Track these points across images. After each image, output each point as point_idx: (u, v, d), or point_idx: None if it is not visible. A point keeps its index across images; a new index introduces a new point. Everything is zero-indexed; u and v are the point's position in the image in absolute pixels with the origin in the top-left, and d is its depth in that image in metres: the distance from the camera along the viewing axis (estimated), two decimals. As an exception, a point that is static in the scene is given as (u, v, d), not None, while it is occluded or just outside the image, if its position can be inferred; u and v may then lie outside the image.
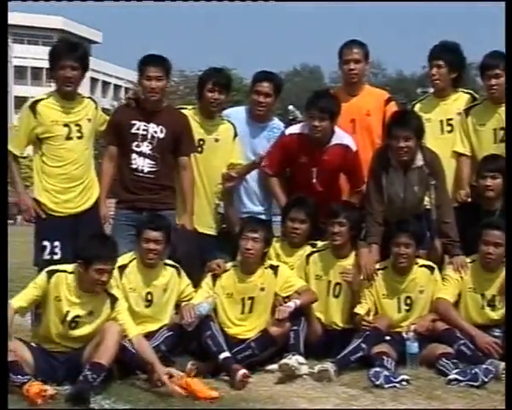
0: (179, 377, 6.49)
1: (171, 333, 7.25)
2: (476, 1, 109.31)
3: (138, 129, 7.92)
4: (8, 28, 7.10)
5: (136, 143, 7.90)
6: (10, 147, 7.73)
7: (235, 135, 8.30)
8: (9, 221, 7.82)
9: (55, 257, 7.62)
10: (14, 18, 79.95)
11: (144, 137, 7.91)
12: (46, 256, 7.71)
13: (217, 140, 8.25)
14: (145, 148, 7.91)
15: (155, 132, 7.93)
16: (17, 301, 6.74)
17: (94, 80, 78.94)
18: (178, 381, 6.42)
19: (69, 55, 7.78)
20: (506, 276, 7.21)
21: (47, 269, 6.94)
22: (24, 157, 8.08)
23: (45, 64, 9.03)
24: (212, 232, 8.27)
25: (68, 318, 6.79)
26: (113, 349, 6.56)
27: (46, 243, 7.76)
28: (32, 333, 7.22)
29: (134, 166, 7.91)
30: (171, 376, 6.49)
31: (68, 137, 7.79)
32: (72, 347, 6.81)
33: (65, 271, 6.87)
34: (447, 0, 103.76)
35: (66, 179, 7.81)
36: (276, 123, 8.62)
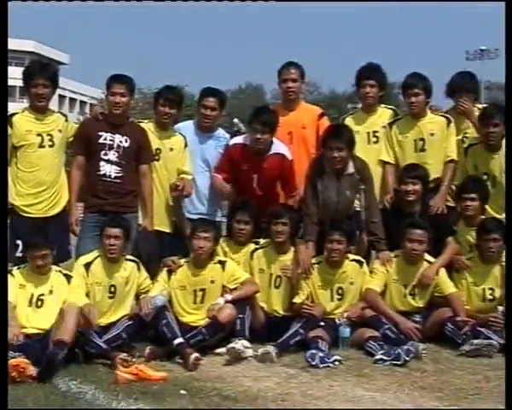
0: (131, 363, 6.49)
1: (131, 322, 7.21)
2: (476, 1, 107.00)
3: (105, 139, 7.86)
4: (7, 33, 6.95)
5: (103, 151, 7.83)
6: None
7: (186, 145, 8.27)
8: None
9: (27, 254, 7.52)
10: (-11, 42, 78.93)
11: (111, 147, 7.85)
12: (18, 254, 7.61)
13: (171, 149, 8.21)
14: (112, 156, 7.85)
15: (121, 142, 7.88)
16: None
17: (62, 97, 77.91)
18: (130, 367, 6.39)
19: (41, 74, 7.76)
20: (506, 275, 7.15)
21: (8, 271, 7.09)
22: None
23: (18, 83, 8.94)
24: (167, 230, 8.23)
25: (34, 298, 6.97)
26: (73, 327, 6.65)
27: (19, 242, 7.65)
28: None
29: (102, 173, 7.83)
30: (125, 361, 6.50)
31: (41, 146, 7.74)
32: (40, 327, 6.86)
33: (19, 268, 7.19)
34: (444, 0, 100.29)
35: (38, 184, 7.75)
36: (222, 133, 8.60)
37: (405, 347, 6.92)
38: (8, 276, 6.97)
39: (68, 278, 7.18)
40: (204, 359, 6.88)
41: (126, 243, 7.45)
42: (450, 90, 8.62)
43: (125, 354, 6.66)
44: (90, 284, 7.32)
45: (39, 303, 6.99)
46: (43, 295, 7.01)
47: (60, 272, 7.21)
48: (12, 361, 6.13)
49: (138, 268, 7.50)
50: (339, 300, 7.76)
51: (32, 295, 7.00)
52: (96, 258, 7.42)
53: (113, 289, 7.38)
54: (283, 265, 7.86)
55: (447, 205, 8.28)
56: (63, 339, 6.49)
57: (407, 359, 6.79)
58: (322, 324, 7.43)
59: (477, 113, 8.40)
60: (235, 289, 7.52)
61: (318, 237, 7.88)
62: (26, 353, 6.41)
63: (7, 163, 7.39)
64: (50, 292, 7.04)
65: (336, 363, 6.81)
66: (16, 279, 7.04)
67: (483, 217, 8.03)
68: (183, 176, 8.19)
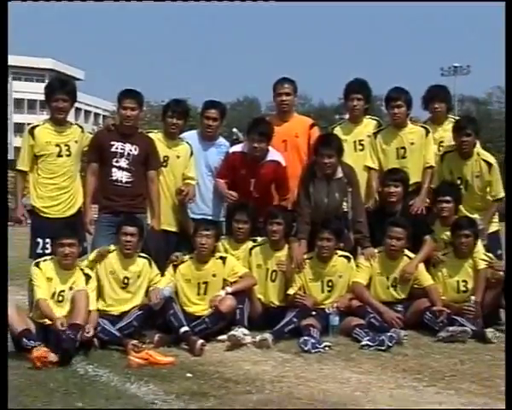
0: (142, 348, 6.48)
1: (141, 312, 7.19)
2: (476, 1, 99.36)
3: (117, 148, 7.86)
4: (8, 33, 6.93)
5: (115, 159, 7.83)
6: (19, 166, 7.78)
7: (191, 153, 8.27)
8: (10, 223, 7.56)
9: (47, 251, 7.50)
10: (13, 60, 78.82)
11: (122, 155, 7.85)
12: (39, 251, 7.62)
13: (178, 157, 8.22)
14: (123, 163, 7.85)
15: (131, 150, 7.88)
16: (41, 294, 6.84)
17: (77, 110, 77.94)
18: (140, 352, 6.39)
19: (61, 89, 7.77)
20: (506, 275, 7.09)
21: (34, 263, 7.07)
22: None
23: (39, 97, 8.98)
24: (174, 229, 8.23)
25: (56, 293, 6.91)
26: (85, 310, 6.73)
27: (39, 239, 7.68)
28: (29, 311, 7.17)
29: (114, 178, 7.84)
30: (137, 347, 6.49)
31: (59, 155, 7.75)
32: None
33: (45, 260, 7.07)
34: (442, 0, 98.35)
35: (56, 189, 7.75)
36: (222, 141, 8.61)
37: (388, 334, 6.93)
38: (35, 268, 6.98)
39: (88, 278, 7.09)
40: (207, 345, 6.87)
41: (140, 240, 7.44)
42: (425, 102, 8.66)
43: (136, 341, 6.65)
44: (100, 271, 7.31)
45: (60, 298, 6.92)
46: (63, 291, 6.93)
47: (82, 270, 7.12)
48: (35, 353, 6.10)
49: (150, 265, 7.48)
50: (329, 291, 7.76)
51: (56, 289, 6.93)
52: (111, 251, 7.40)
53: (126, 280, 7.36)
54: (278, 260, 7.88)
55: (426, 206, 8.29)
56: (77, 322, 6.53)
57: (390, 344, 6.80)
58: (313, 313, 7.43)
59: (451, 124, 8.45)
60: (234, 282, 7.52)
61: (310, 236, 7.88)
62: (46, 342, 6.41)
63: (7, 163, 7.38)
64: (70, 289, 6.95)
65: (326, 348, 6.80)
66: (43, 272, 6.97)
67: (456, 217, 8.06)
68: (188, 181, 8.19)
